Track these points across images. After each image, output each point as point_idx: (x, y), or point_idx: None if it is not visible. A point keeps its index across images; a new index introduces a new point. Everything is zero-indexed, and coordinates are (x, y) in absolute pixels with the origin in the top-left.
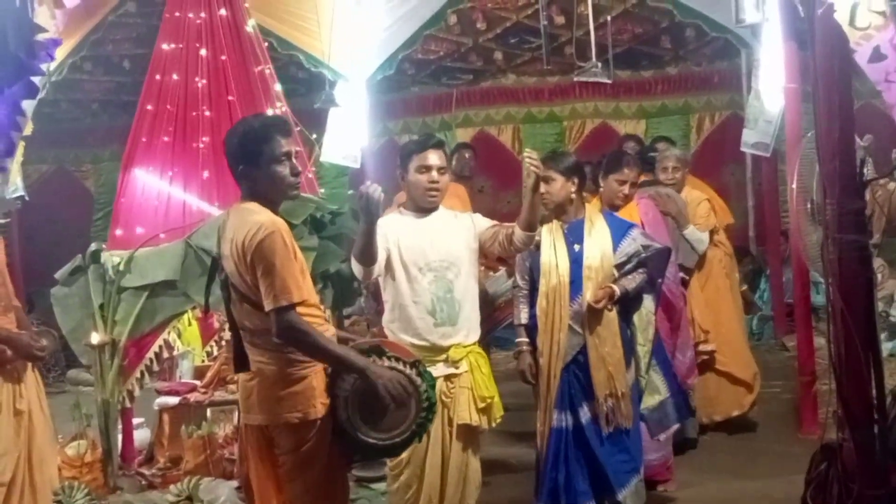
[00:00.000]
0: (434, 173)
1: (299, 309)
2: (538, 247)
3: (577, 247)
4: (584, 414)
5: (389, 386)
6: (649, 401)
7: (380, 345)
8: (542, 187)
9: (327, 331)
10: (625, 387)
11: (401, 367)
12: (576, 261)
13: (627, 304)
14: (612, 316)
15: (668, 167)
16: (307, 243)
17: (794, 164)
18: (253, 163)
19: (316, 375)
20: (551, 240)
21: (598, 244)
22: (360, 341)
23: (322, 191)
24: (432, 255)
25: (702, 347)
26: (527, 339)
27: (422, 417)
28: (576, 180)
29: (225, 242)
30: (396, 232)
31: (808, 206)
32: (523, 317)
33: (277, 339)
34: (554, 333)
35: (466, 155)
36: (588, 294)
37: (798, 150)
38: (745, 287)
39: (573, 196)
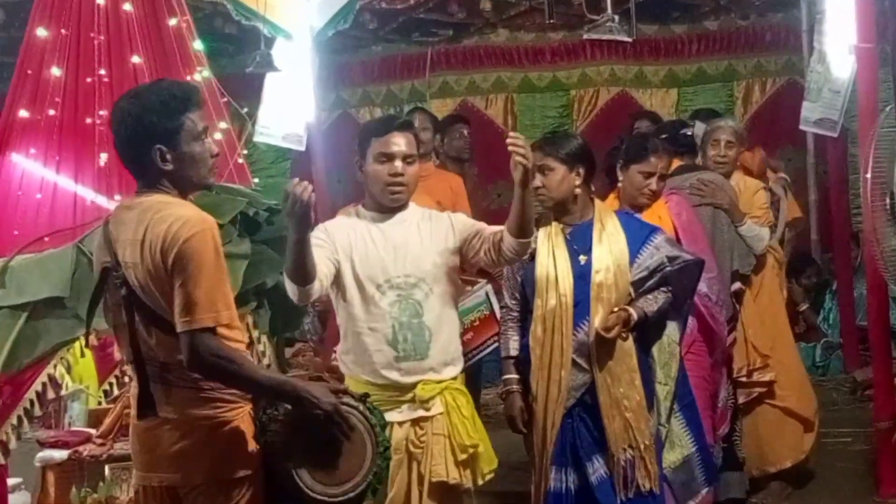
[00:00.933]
0: (398, 163)
1: (220, 332)
2: (533, 257)
3: (583, 258)
4: (595, 471)
5: (333, 412)
6: (670, 457)
7: (321, 377)
8: (537, 179)
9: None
10: (647, 438)
11: (351, 401)
12: (581, 276)
13: (647, 333)
14: (627, 347)
15: (720, 141)
16: (237, 248)
17: (869, 147)
18: (169, 142)
19: (243, 419)
20: (549, 248)
21: (610, 254)
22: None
23: (256, 181)
24: (394, 268)
25: (758, 376)
26: (516, 377)
27: (378, 465)
28: (581, 170)
29: (127, 246)
30: (349, 238)
31: (888, 201)
32: (512, 347)
33: (189, 368)
34: (552, 370)
35: (465, 132)
36: (597, 319)
37: (874, 128)
38: (806, 306)
39: (578, 191)
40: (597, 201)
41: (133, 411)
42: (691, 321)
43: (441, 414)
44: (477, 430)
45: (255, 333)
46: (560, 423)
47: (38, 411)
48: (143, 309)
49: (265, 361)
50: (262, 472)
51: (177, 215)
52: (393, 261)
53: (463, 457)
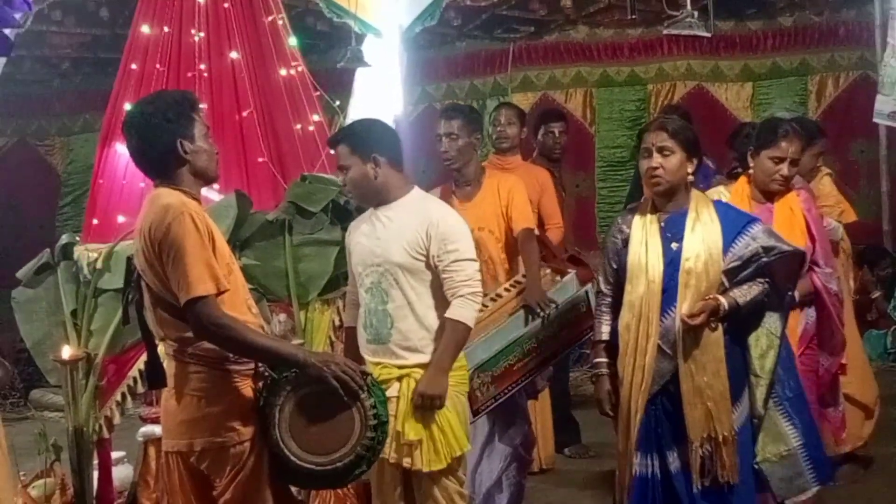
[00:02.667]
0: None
1: (234, 310)
2: (626, 243)
3: (675, 245)
4: (674, 461)
5: (338, 371)
6: (771, 450)
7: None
8: (655, 159)
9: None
10: (728, 429)
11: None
12: (672, 262)
13: (740, 323)
14: (715, 337)
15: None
16: (328, 235)
17: None
18: (186, 135)
19: (242, 392)
20: (643, 236)
21: (703, 242)
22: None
23: None
24: (373, 255)
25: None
26: (606, 360)
27: (369, 438)
28: (695, 161)
29: (137, 236)
30: (357, 224)
31: None
32: (604, 332)
33: (196, 335)
34: (637, 356)
35: (555, 130)
36: (684, 306)
37: None
38: (879, 294)
39: (690, 178)
40: (694, 191)
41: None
42: (811, 316)
43: (395, 398)
44: (433, 421)
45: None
46: (644, 409)
47: (140, 389)
48: (149, 290)
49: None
50: (262, 441)
51: (161, 204)
52: (374, 248)
53: (403, 441)
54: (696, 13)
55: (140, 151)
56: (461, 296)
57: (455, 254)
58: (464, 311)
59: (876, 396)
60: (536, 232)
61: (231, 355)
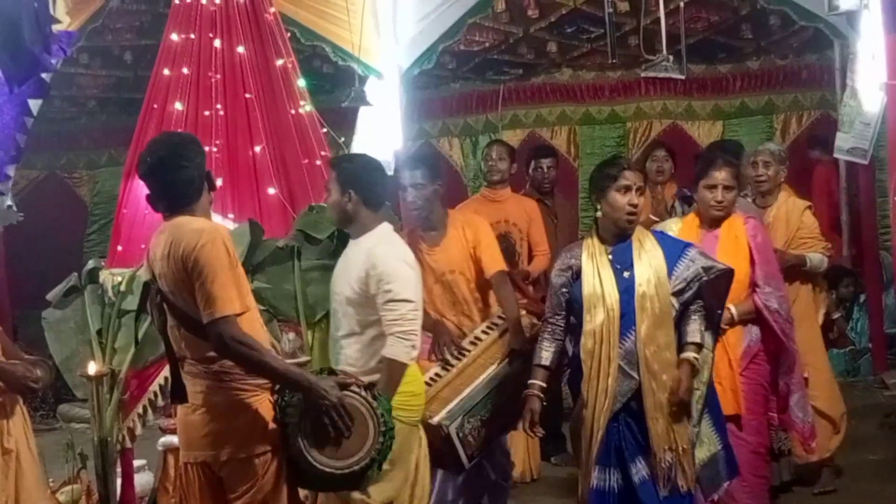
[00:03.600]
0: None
1: (250, 328)
2: (577, 276)
3: (626, 273)
4: (638, 471)
5: (337, 404)
6: (700, 454)
7: (331, 367)
8: (635, 198)
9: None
10: (686, 441)
11: (357, 389)
12: (626, 290)
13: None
14: (671, 358)
15: (757, 162)
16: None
17: None
18: (203, 173)
19: (262, 405)
20: (594, 267)
21: (650, 267)
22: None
23: None
24: (335, 284)
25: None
26: (540, 384)
27: (380, 443)
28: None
29: (158, 261)
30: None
31: None
32: (544, 357)
33: (217, 353)
34: (601, 380)
35: (545, 166)
36: (643, 327)
37: None
38: (839, 314)
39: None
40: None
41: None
42: (755, 334)
43: None
44: None
45: None
46: (606, 427)
47: (160, 402)
48: (173, 311)
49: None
50: (283, 450)
51: (192, 228)
52: (336, 278)
53: None
54: (671, 57)
55: (168, 182)
56: (392, 334)
57: (389, 294)
58: (394, 348)
59: (842, 412)
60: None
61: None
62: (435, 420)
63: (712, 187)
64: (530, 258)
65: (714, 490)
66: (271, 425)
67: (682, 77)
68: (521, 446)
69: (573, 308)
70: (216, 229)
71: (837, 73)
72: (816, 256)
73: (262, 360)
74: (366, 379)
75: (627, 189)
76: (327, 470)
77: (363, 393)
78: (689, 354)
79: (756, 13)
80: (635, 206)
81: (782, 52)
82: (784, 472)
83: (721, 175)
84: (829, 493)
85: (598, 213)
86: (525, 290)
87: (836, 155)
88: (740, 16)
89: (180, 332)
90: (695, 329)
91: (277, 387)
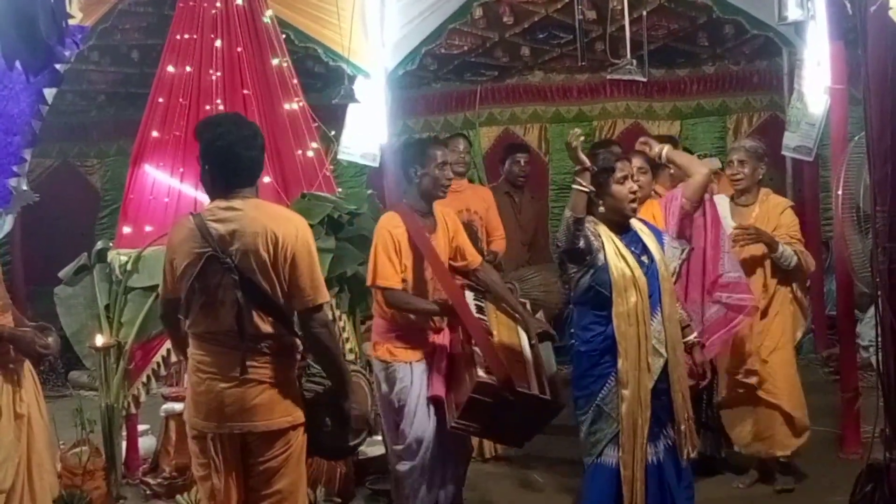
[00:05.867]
0: None
1: None
2: (592, 262)
3: (644, 257)
4: (659, 443)
5: (362, 416)
6: None
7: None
8: (635, 184)
9: None
10: (692, 412)
11: (359, 367)
12: (651, 274)
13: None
14: (680, 337)
15: (733, 161)
16: (324, 244)
17: (840, 169)
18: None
19: (295, 380)
20: (616, 251)
21: (657, 251)
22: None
23: (340, 190)
24: None
25: (743, 378)
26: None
27: (373, 418)
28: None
29: (247, 237)
30: None
31: (855, 213)
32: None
33: (306, 336)
34: (641, 359)
35: (522, 161)
36: (667, 308)
37: (844, 155)
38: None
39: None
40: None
41: (217, 374)
42: None
43: None
44: None
45: (337, 312)
46: (650, 403)
47: (163, 371)
48: (248, 290)
49: (344, 335)
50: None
51: (283, 216)
52: None
53: None
54: (634, 62)
55: (247, 165)
56: None
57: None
58: None
59: (804, 414)
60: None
61: (293, 351)
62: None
63: (623, 180)
64: (488, 244)
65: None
66: (300, 400)
67: (644, 80)
68: None
69: (596, 292)
70: (304, 220)
71: (786, 78)
72: (788, 249)
73: (337, 352)
74: None
75: (626, 178)
76: (340, 444)
77: (366, 373)
78: (693, 337)
79: (712, 22)
80: (636, 192)
81: (735, 59)
82: (710, 448)
83: (629, 164)
84: (788, 492)
85: (601, 209)
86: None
87: (783, 152)
88: (697, 24)
89: (248, 310)
90: (683, 309)
91: (305, 365)
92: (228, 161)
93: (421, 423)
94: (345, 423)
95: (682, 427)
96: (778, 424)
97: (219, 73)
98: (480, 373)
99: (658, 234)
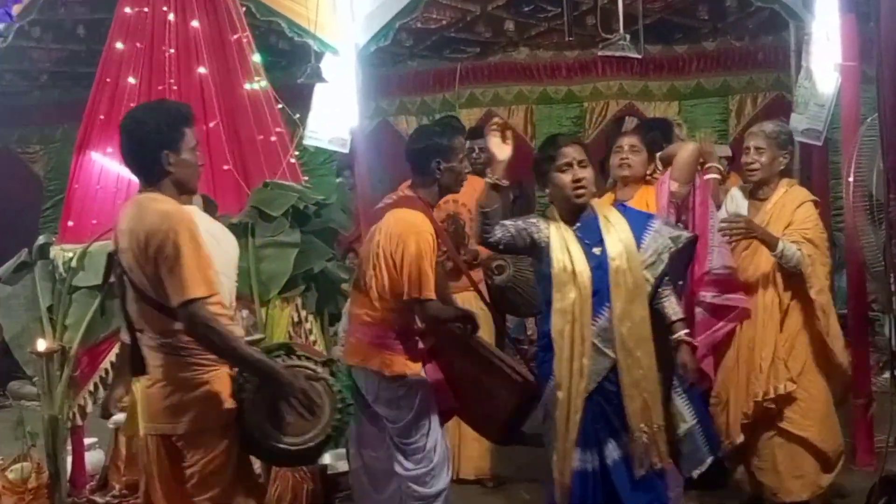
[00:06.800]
0: None
1: (213, 308)
2: (539, 255)
3: (597, 249)
4: (611, 453)
5: (299, 393)
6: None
7: (289, 343)
8: (579, 172)
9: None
10: (661, 419)
11: (311, 365)
12: (599, 266)
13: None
14: (646, 333)
15: (749, 147)
16: (288, 238)
17: (851, 154)
18: (174, 148)
19: (219, 380)
20: (563, 243)
21: (620, 241)
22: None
23: (306, 179)
24: None
25: (774, 390)
26: None
27: (337, 420)
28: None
29: (123, 234)
30: None
31: (867, 202)
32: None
33: (188, 335)
34: (575, 359)
35: (477, 147)
36: (617, 304)
37: (856, 138)
38: None
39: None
40: (592, 199)
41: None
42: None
43: None
44: None
45: (304, 313)
46: (583, 408)
47: (111, 379)
48: (133, 286)
49: (311, 338)
50: (237, 425)
51: (158, 210)
52: None
53: None
54: (627, 37)
55: (130, 154)
56: None
57: None
58: None
59: (838, 447)
60: None
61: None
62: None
63: (618, 150)
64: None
65: (695, 466)
66: (227, 400)
67: (639, 57)
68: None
69: (542, 283)
70: (181, 212)
71: (792, 55)
72: (791, 247)
73: (229, 344)
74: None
75: (568, 165)
76: (282, 446)
77: (321, 370)
78: (682, 334)
79: None
80: (580, 179)
81: (738, 34)
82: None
83: (629, 138)
84: None
85: (547, 199)
86: (469, 276)
87: None
88: None
89: (139, 306)
90: (674, 304)
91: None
92: (124, 156)
93: (443, 438)
94: (281, 419)
95: (639, 435)
96: (807, 464)
97: (172, 50)
98: (521, 376)
99: (639, 221)
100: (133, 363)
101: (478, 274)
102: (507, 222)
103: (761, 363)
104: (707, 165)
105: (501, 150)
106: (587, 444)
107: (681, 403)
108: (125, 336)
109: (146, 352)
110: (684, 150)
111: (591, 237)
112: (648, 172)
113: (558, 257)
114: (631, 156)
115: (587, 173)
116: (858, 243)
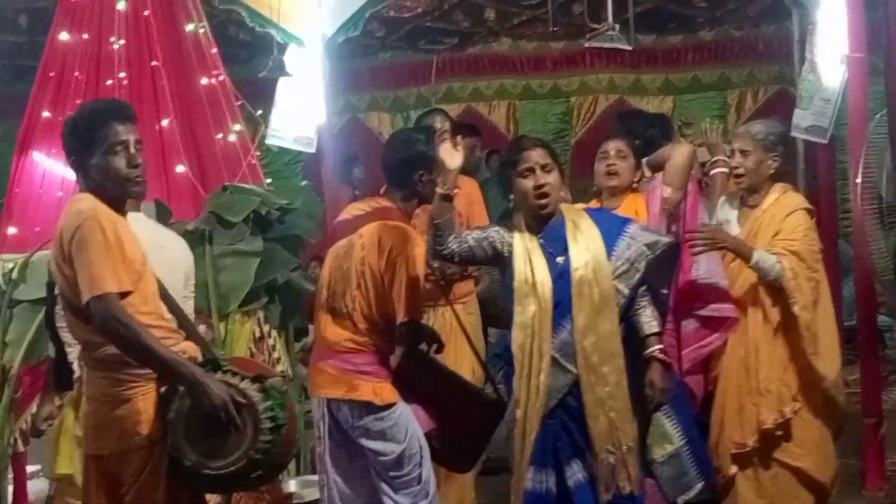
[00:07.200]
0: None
1: (143, 318)
2: (509, 253)
3: (560, 259)
4: (574, 474)
5: (218, 400)
6: (657, 451)
7: (216, 359)
8: (542, 177)
9: (185, 347)
10: (631, 440)
11: (235, 381)
12: (561, 276)
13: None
14: (615, 347)
15: (734, 150)
16: (249, 246)
17: (859, 153)
18: (84, 152)
19: (144, 398)
20: (525, 253)
21: (587, 250)
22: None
23: (268, 181)
24: None
25: (782, 415)
26: None
27: (264, 442)
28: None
29: (53, 241)
30: None
31: (877, 205)
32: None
33: (100, 333)
34: (532, 376)
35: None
36: (581, 317)
37: (864, 136)
38: None
39: (562, 194)
40: (561, 203)
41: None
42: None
43: None
44: None
45: (266, 328)
46: (539, 425)
47: (58, 401)
48: (61, 295)
49: (275, 355)
50: (164, 446)
51: (74, 209)
52: None
53: None
54: (617, 26)
55: (70, 153)
56: None
57: None
58: None
59: (833, 475)
60: None
61: (128, 364)
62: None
63: (604, 156)
64: None
65: (682, 492)
66: (153, 419)
67: (630, 48)
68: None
69: (507, 296)
70: (94, 209)
71: (796, 46)
72: (769, 258)
73: (141, 341)
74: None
75: (530, 171)
76: (203, 471)
77: (244, 385)
78: (655, 349)
79: None
80: (542, 185)
81: (737, 23)
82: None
83: (536, 153)
84: None
85: (511, 205)
86: (446, 292)
87: (793, 133)
88: None
89: (66, 316)
90: (650, 317)
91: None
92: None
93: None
94: (201, 440)
95: (604, 457)
96: (801, 497)
97: (122, 42)
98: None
99: (613, 227)
100: (57, 377)
101: (469, 286)
102: (467, 233)
103: (764, 385)
104: (713, 159)
105: (452, 158)
106: (543, 464)
107: (668, 424)
108: (51, 349)
109: (79, 366)
110: (679, 153)
111: (555, 245)
112: (635, 179)
113: (520, 268)
114: (619, 162)
115: (551, 178)
116: (867, 249)
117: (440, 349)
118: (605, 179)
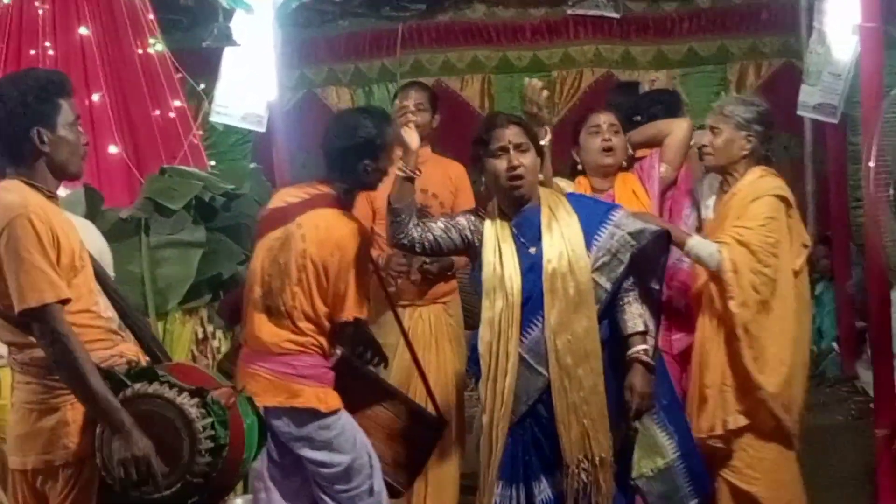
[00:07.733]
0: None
1: (75, 318)
2: (474, 257)
3: (532, 249)
4: (542, 491)
5: (139, 453)
6: (646, 464)
7: (154, 368)
8: (516, 158)
9: (123, 350)
10: (606, 451)
11: (171, 394)
12: (532, 268)
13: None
14: (592, 348)
15: (706, 127)
16: (191, 236)
17: (873, 134)
18: (47, 124)
19: (74, 408)
20: (495, 243)
21: (563, 239)
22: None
23: (213, 164)
24: None
25: (723, 425)
26: None
27: (203, 465)
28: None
29: None
30: None
31: (891, 191)
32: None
33: (41, 347)
34: (499, 379)
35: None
36: (553, 313)
37: (878, 114)
38: None
39: (539, 177)
40: (541, 188)
41: None
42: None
43: None
44: None
45: (210, 328)
46: (508, 434)
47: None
48: None
49: (219, 358)
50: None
51: (3, 202)
52: None
53: None
54: None
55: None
56: None
57: None
58: None
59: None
60: None
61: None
62: None
63: (596, 130)
64: None
65: None
66: (82, 432)
67: (618, 17)
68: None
69: (478, 290)
70: (24, 204)
71: (803, 14)
72: (707, 246)
73: (79, 371)
74: None
75: (503, 150)
76: (131, 492)
77: (187, 402)
78: (639, 350)
79: None
80: (515, 167)
81: None
82: None
83: (606, 116)
84: None
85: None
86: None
87: (800, 112)
88: None
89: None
90: (634, 314)
91: None
92: None
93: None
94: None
95: (572, 470)
96: None
97: (47, 6)
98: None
99: (595, 214)
100: None
101: (451, 284)
102: (432, 221)
103: (706, 390)
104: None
105: (413, 138)
106: (513, 479)
107: (660, 435)
108: None
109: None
110: (680, 129)
111: (528, 234)
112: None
113: (488, 259)
114: (613, 137)
115: (527, 159)
116: (880, 241)
117: (381, 362)
118: (601, 157)
